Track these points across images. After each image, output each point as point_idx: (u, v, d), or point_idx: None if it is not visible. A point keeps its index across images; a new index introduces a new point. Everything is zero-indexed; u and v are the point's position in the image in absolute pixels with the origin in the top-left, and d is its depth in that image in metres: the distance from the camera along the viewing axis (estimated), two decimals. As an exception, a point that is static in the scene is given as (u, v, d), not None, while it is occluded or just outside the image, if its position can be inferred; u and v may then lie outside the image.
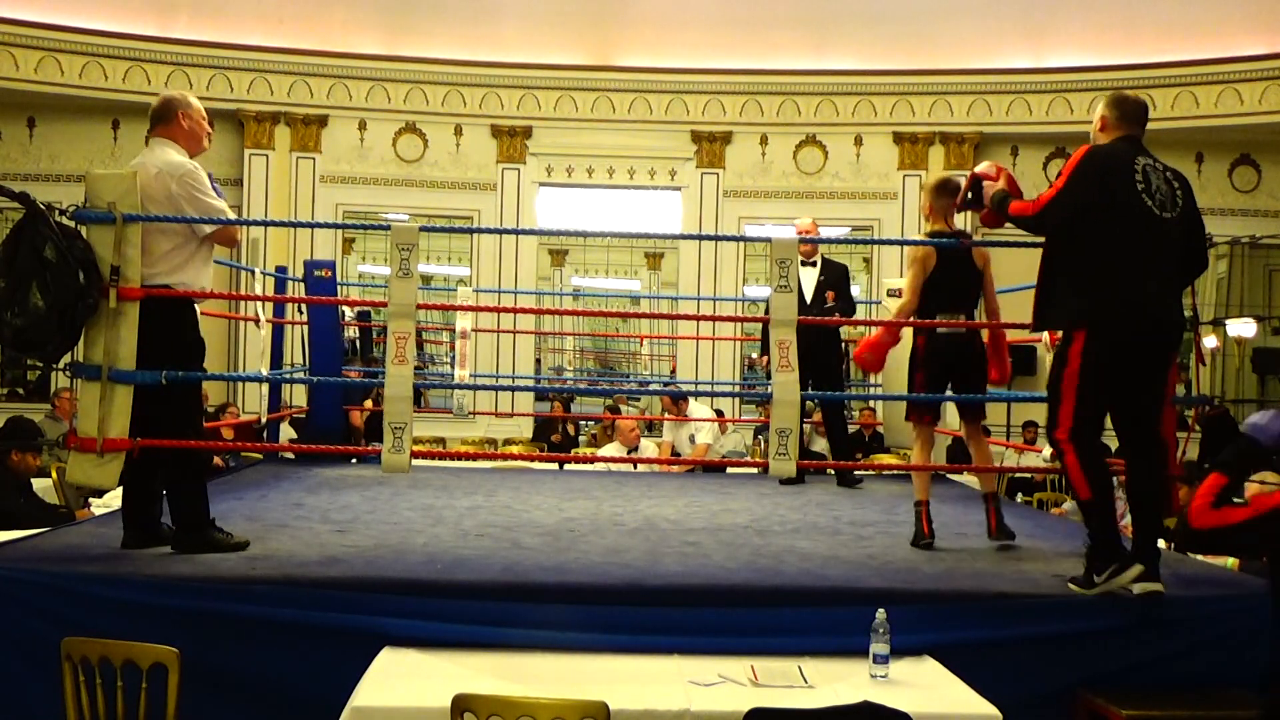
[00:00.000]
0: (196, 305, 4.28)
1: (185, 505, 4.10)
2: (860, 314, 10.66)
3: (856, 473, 6.82)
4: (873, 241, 12.52)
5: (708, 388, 11.23)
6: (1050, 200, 3.90)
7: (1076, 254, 3.85)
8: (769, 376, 5.02)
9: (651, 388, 12.60)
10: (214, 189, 4.28)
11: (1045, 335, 5.02)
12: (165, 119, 4.21)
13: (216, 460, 7.02)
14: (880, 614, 3.22)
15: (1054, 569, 4.12)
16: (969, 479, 6.90)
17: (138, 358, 4.05)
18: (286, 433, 8.58)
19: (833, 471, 6.99)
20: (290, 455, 7.30)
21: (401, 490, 5.87)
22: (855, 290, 12.23)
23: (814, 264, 6.86)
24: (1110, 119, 3.94)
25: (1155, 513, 3.86)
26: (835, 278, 6.91)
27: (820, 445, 9.05)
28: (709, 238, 10.23)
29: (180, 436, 4.14)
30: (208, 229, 4.15)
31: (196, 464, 4.23)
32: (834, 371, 6.77)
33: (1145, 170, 3.78)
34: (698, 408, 8.83)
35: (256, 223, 6.39)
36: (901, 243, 11.50)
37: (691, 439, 8.33)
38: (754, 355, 12.50)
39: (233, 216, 4.32)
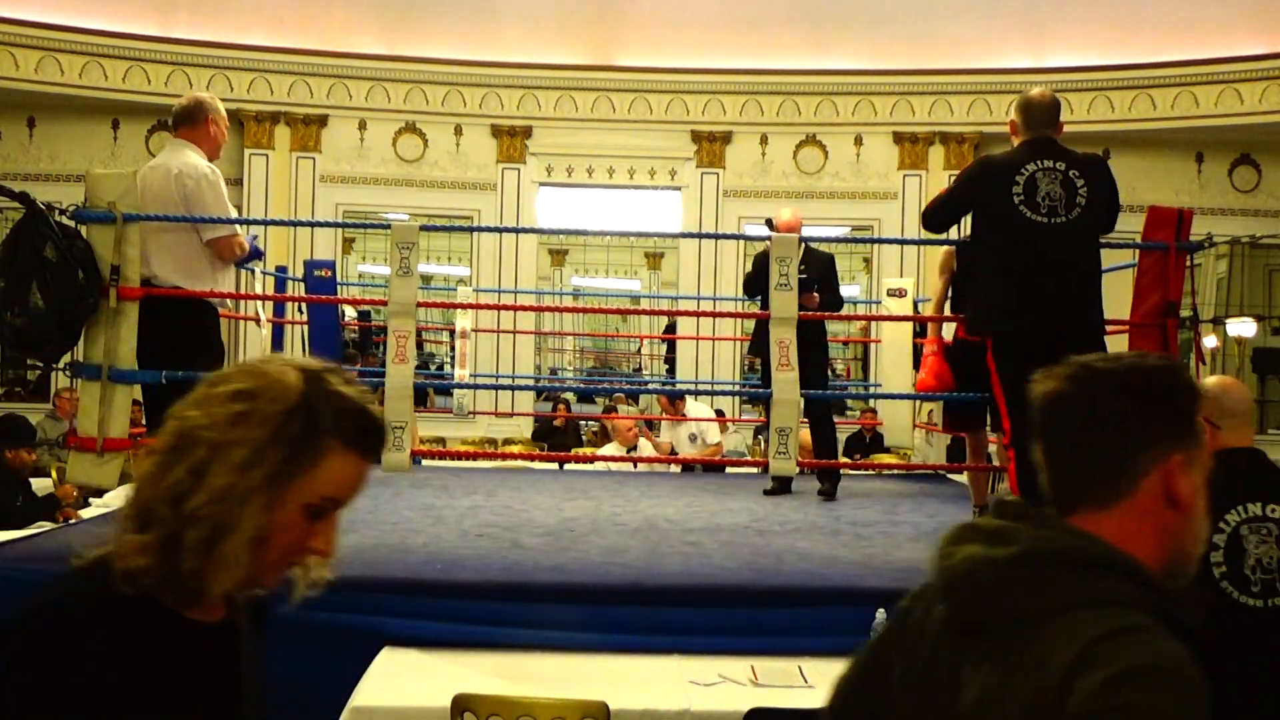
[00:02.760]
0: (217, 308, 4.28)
1: None
2: (862, 314, 10.70)
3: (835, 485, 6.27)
4: (871, 240, 12.51)
5: (708, 387, 11.22)
6: (933, 203, 4.11)
7: (976, 265, 4.01)
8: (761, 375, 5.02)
9: (650, 387, 12.58)
10: None
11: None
12: (194, 121, 4.16)
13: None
14: (880, 614, 3.21)
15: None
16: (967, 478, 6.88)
17: (160, 359, 4.04)
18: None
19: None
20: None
21: (402, 490, 5.86)
22: (855, 289, 12.26)
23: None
24: (1018, 123, 3.95)
25: None
26: (820, 269, 6.05)
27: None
28: (709, 236, 10.21)
29: None
30: (207, 236, 4.12)
31: None
32: (817, 372, 6.02)
33: (1034, 177, 3.73)
34: (697, 407, 8.82)
35: (257, 222, 6.40)
36: (901, 241, 11.52)
37: (692, 438, 8.31)
38: (748, 356, 12.48)
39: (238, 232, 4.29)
